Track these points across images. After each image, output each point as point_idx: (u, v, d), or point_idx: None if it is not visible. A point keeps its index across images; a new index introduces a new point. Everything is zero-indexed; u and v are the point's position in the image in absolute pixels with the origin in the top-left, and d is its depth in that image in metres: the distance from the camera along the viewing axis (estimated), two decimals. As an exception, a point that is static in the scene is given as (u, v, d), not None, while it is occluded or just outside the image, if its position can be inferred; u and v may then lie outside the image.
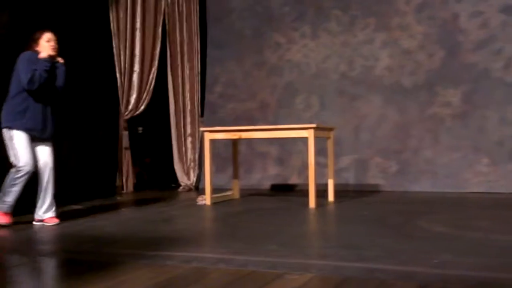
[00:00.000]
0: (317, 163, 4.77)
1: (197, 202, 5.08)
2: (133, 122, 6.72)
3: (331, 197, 5.05)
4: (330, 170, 5.12)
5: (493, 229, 3.29)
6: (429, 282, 2.06)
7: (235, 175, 5.55)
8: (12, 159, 3.74)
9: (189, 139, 6.81)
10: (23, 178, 3.72)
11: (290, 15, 6.61)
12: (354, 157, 6.13)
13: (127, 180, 6.38)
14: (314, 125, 4.63)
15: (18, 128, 3.73)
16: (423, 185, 5.75)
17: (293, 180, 6.41)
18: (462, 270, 2.23)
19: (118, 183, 6.37)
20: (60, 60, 3.94)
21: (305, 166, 5.59)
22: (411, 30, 5.98)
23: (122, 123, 6.36)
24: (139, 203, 5.31)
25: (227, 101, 6.92)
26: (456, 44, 5.75)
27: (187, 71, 6.84)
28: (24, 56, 3.78)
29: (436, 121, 5.80)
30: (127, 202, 5.47)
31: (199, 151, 6.74)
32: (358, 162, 6.12)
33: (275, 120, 6.49)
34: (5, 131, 3.77)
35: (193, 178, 6.75)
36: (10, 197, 3.75)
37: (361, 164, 6.11)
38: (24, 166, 3.71)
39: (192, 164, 6.78)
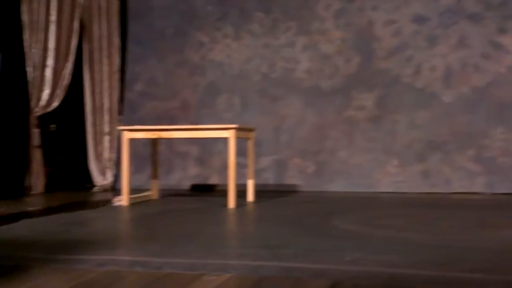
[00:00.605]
0: (237, 164, 4.80)
1: (113, 203, 4.92)
2: (45, 119, 6.37)
3: (250, 197, 5.10)
4: (250, 170, 5.17)
5: (401, 227, 3.48)
6: (341, 279, 2.14)
7: (154, 175, 5.44)
8: None
9: (106, 138, 6.59)
10: None
11: (213, 15, 6.60)
12: (274, 157, 6.24)
13: (38, 180, 6.04)
14: (235, 126, 4.66)
15: None
16: (338, 185, 5.97)
17: (213, 180, 6.41)
18: (372, 266, 2.33)
19: (27, 183, 6.01)
20: None
21: (226, 166, 5.61)
22: (329, 35, 6.19)
23: (32, 120, 6.01)
24: (50, 204, 5.04)
25: (147, 99, 6.77)
26: (371, 51, 6.03)
27: (105, 68, 6.61)
28: None
29: (351, 123, 6.04)
30: (37, 203, 5.18)
31: (116, 150, 6.53)
32: (277, 163, 6.23)
33: (197, 120, 6.45)
34: None
35: (109, 178, 6.54)
36: None
37: (281, 164, 6.23)
38: None
39: (108, 163, 6.56)
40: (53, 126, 6.88)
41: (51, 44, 6.04)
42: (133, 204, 4.87)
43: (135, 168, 6.26)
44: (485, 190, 5.52)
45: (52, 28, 6.05)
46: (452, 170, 5.65)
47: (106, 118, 6.59)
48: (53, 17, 6.05)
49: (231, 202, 4.57)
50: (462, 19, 5.72)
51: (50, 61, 6.04)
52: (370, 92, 6.01)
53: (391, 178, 5.84)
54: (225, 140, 5.21)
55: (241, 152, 5.61)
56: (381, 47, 6.00)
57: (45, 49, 6.01)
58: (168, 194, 5.73)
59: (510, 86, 5.55)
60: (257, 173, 5.90)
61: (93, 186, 6.48)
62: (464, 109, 5.68)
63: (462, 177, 5.62)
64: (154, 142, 5.40)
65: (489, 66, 5.62)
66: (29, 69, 5.93)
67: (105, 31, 6.60)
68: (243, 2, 6.47)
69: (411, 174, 5.78)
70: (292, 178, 6.17)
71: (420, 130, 5.79)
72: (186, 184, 6.45)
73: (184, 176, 6.52)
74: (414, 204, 4.76)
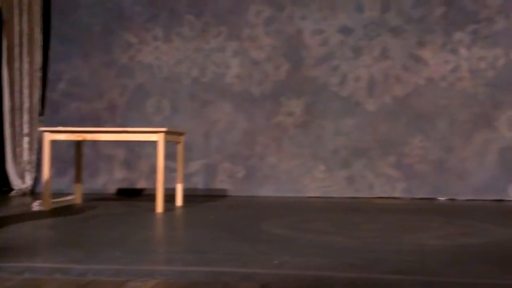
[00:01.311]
0: (166, 168, 4.73)
1: (32, 207, 4.67)
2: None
3: (179, 202, 5.03)
4: (179, 174, 5.10)
5: (326, 231, 3.58)
6: (269, 282, 2.16)
7: (78, 179, 5.23)
8: None
9: (25, 139, 6.25)
10: None
11: (142, 15, 6.46)
12: (204, 162, 6.21)
13: None
14: (164, 129, 4.58)
15: None
16: (267, 190, 6.05)
17: (141, 184, 6.26)
18: (299, 269, 2.38)
19: None
20: None
21: (154, 170, 5.50)
22: (260, 42, 6.27)
23: None
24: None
25: (71, 100, 6.50)
26: (299, 59, 6.17)
27: (26, 65, 6.27)
28: None
29: (280, 129, 6.15)
30: None
31: (37, 152, 6.22)
32: (207, 167, 6.20)
33: (124, 122, 6.27)
34: None
35: (29, 181, 6.20)
36: None
37: (210, 169, 6.20)
38: None
39: (28, 166, 6.23)
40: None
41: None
42: (54, 209, 4.64)
43: (57, 171, 5.98)
44: (405, 195, 5.81)
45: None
46: (374, 175, 5.90)
47: (26, 118, 6.26)
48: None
49: (159, 206, 4.49)
50: (385, 31, 6.00)
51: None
52: (298, 98, 6.14)
53: (318, 183, 6.00)
54: (153, 143, 5.11)
55: (170, 156, 5.53)
56: (309, 55, 6.16)
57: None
58: (93, 198, 5.52)
59: (428, 97, 5.89)
60: (187, 178, 5.84)
61: (11, 189, 6.12)
62: (386, 117, 5.95)
63: (383, 183, 5.88)
64: (78, 144, 5.19)
65: (409, 78, 5.94)
66: None
67: (26, 27, 6.28)
68: (173, 3, 6.40)
69: (337, 179, 5.97)
70: (221, 183, 6.17)
71: (346, 136, 6.00)
72: (112, 188, 6.26)
73: (110, 179, 6.32)
74: (339, 209, 4.92)
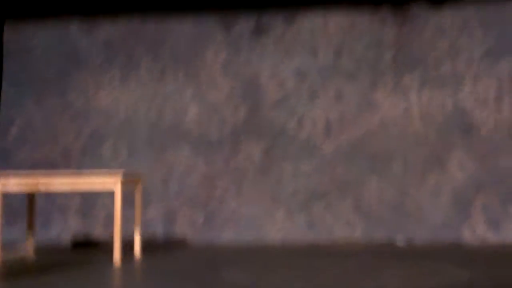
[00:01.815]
0: (123, 214, 4.60)
1: (-20, 262, 4.42)
2: None
3: (137, 252, 4.88)
4: (137, 222, 4.97)
5: (288, 278, 3.55)
6: None
7: (30, 229, 5.00)
8: None
9: (-27, 187, 5.95)
10: None
11: (99, 58, 6.41)
12: (162, 206, 6.09)
13: None
14: (121, 171, 4.48)
15: None
16: (228, 235, 5.97)
17: (98, 232, 6.06)
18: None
19: None
20: None
21: (110, 218, 5.35)
22: (217, 85, 6.31)
23: None
24: None
25: (22, 145, 6.29)
26: (257, 101, 6.24)
27: (-25, 110, 6.04)
28: None
29: (240, 173, 6.14)
30: None
31: (-15, 201, 5.92)
32: (166, 213, 6.09)
33: (79, 167, 6.11)
34: None
35: (-24, 232, 5.88)
36: None
37: (169, 214, 6.09)
38: None
39: (-24, 216, 5.91)
40: None
41: None
42: (4, 263, 4.40)
43: (7, 220, 5.71)
44: (364, 237, 5.87)
45: None
46: (334, 218, 5.95)
47: (-26, 165, 5.99)
48: None
49: (117, 259, 4.34)
50: (338, 75, 6.18)
51: None
52: (257, 142, 6.18)
53: (279, 227, 5.98)
54: (110, 191, 4.98)
55: (127, 201, 5.39)
56: (267, 98, 6.24)
57: None
58: (46, 249, 5.28)
59: (381, 139, 6.06)
60: (145, 224, 5.70)
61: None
62: (343, 160, 6.06)
63: (342, 225, 5.93)
64: (30, 194, 4.99)
65: (363, 120, 6.10)
66: None
67: (-24, 71, 6.08)
68: (130, 47, 6.39)
69: (297, 223, 5.98)
70: (181, 228, 6.05)
71: (305, 179, 6.06)
72: (67, 238, 6.02)
73: (64, 228, 6.09)
74: (300, 253, 4.90)
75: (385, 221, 5.90)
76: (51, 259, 4.67)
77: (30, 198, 5.00)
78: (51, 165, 6.15)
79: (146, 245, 5.16)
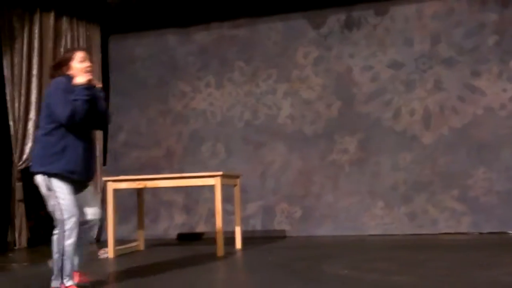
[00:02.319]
0: (224, 211, 4.78)
1: (99, 255, 4.82)
2: (28, 172, 6.28)
3: (238, 244, 5.04)
4: (237, 217, 5.13)
5: (389, 271, 3.47)
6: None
7: (140, 226, 5.37)
8: (53, 213, 3.01)
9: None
10: (74, 232, 2.97)
11: (195, 64, 6.72)
12: (260, 203, 6.22)
13: (20, 235, 5.89)
14: (220, 173, 4.66)
15: (56, 173, 3.00)
16: (325, 229, 5.96)
17: (200, 228, 6.34)
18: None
19: (10, 238, 5.85)
20: (98, 84, 3.24)
21: (212, 214, 5.57)
22: (310, 82, 6.33)
23: (15, 174, 5.93)
24: (33, 259, 4.91)
25: (131, 149, 6.76)
26: (350, 96, 6.17)
27: (88, 119, 6.60)
28: (57, 85, 3.06)
29: (335, 167, 6.10)
30: (20, 258, 5.04)
31: (100, 201, 6.44)
32: (264, 209, 6.21)
33: (181, 168, 6.44)
34: (40, 179, 3.04)
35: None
36: (68, 262, 2.96)
37: (267, 210, 6.20)
38: (72, 216, 2.98)
39: (93, 215, 6.44)
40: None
41: (34, 97, 6.04)
42: (119, 256, 4.77)
43: (120, 218, 6.16)
44: (472, 229, 5.56)
45: (34, 81, 6.07)
46: (438, 210, 5.70)
47: (90, 169, 6.53)
48: (34, 71, 6.09)
49: (220, 250, 4.52)
50: (437, 64, 5.92)
51: (32, 114, 6.02)
52: (352, 136, 6.11)
53: (378, 221, 5.85)
54: (211, 187, 5.19)
55: (227, 199, 5.59)
56: (360, 92, 6.15)
57: (27, 103, 6.01)
58: (155, 244, 5.63)
59: (487, 126, 5.69)
60: (244, 220, 5.86)
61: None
62: (445, 150, 5.79)
63: (448, 217, 5.66)
64: (139, 192, 5.36)
65: (466, 108, 5.78)
66: (11, 123, 5.90)
67: (88, 83, 6.64)
68: (224, 52, 6.62)
69: (397, 216, 5.81)
70: (279, 224, 6.14)
71: (404, 171, 5.87)
72: (173, 233, 6.36)
73: (171, 225, 6.44)
74: (401, 246, 4.76)
75: (495, 213, 5.53)
76: (160, 252, 4.96)
77: (139, 197, 5.36)
78: (156, 166, 6.54)
79: (246, 240, 5.31)
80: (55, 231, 3.00)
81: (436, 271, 3.38)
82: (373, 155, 6.01)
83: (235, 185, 5.15)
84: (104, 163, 6.69)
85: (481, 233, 5.48)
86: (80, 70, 3.14)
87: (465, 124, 5.76)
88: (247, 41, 6.57)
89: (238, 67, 6.58)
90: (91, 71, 3.18)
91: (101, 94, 3.29)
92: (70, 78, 3.11)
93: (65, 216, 2.98)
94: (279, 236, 5.99)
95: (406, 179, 5.85)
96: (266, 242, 5.47)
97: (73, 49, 3.25)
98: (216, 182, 4.63)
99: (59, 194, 3.00)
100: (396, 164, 5.92)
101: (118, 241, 5.00)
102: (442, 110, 5.85)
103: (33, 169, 3.09)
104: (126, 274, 3.86)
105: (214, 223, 4.77)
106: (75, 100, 3.01)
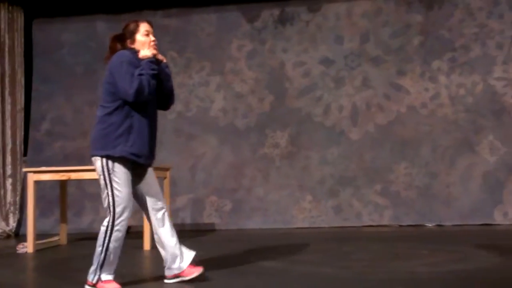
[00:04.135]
0: (152, 204, 4.66)
1: (17, 250, 4.57)
2: None
3: (166, 238, 4.95)
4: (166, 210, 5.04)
5: (317, 262, 3.55)
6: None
7: (63, 219, 5.14)
8: (106, 202, 2.76)
9: (9, 181, 6.16)
10: (123, 227, 2.76)
11: (126, 53, 6.51)
12: (190, 196, 6.16)
13: None
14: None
15: (121, 155, 2.71)
16: (255, 222, 6.00)
17: (128, 221, 6.17)
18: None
19: None
20: (163, 59, 2.94)
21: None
22: (243, 75, 6.33)
23: None
24: None
25: (54, 139, 6.46)
26: (283, 90, 6.24)
27: (8, 106, 6.24)
28: (121, 58, 2.78)
29: (266, 161, 6.15)
30: None
31: (20, 193, 6.12)
32: (194, 202, 6.16)
33: (109, 159, 6.23)
34: (100, 162, 2.74)
35: (12, 223, 6.08)
36: (112, 258, 2.78)
37: (197, 203, 6.16)
38: (123, 211, 2.73)
39: (12, 208, 6.11)
40: None
41: None
42: (39, 251, 4.55)
43: (41, 212, 5.88)
44: (393, 222, 5.81)
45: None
46: (362, 204, 5.91)
47: (9, 159, 6.19)
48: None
49: (147, 244, 4.42)
50: (365, 62, 6.11)
51: None
52: (283, 130, 6.18)
53: (306, 214, 5.98)
54: (139, 180, 5.06)
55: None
56: (292, 87, 6.23)
57: None
58: (79, 238, 5.42)
59: (410, 124, 5.96)
60: (174, 213, 5.78)
61: (-6, 232, 5.99)
62: (370, 146, 6.00)
63: (371, 211, 5.88)
64: (62, 184, 5.13)
65: (391, 106, 6.02)
66: None
67: (8, 68, 6.27)
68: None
69: (324, 209, 5.96)
70: (209, 217, 6.12)
71: (331, 166, 6.02)
72: (98, 227, 6.13)
73: (96, 218, 6.23)
74: (328, 239, 4.89)
75: (414, 206, 5.81)
76: (84, 246, 4.79)
77: (62, 189, 5.13)
78: (82, 158, 6.28)
79: (176, 232, 5.23)
80: (104, 223, 2.77)
81: (359, 262, 3.51)
82: (303, 149, 6.12)
83: (164, 178, 5.06)
84: (25, 154, 6.34)
85: (401, 226, 5.75)
86: (144, 43, 2.87)
87: (390, 121, 6.01)
88: (180, 32, 6.46)
89: (170, 57, 6.44)
90: (156, 45, 2.90)
91: (168, 70, 3.01)
92: (134, 51, 2.85)
93: (118, 209, 2.74)
94: (209, 229, 5.97)
95: (333, 173, 6.01)
96: (195, 235, 5.43)
97: (137, 20, 2.94)
98: (144, 174, 4.52)
99: (115, 184, 2.74)
100: (325, 158, 6.06)
101: (39, 236, 4.76)
102: (369, 107, 6.07)
103: (93, 153, 2.79)
104: (45, 270, 3.68)
105: (142, 216, 4.66)
106: (140, 74, 2.73)
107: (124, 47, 2.90)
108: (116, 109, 2.77)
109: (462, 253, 3.76)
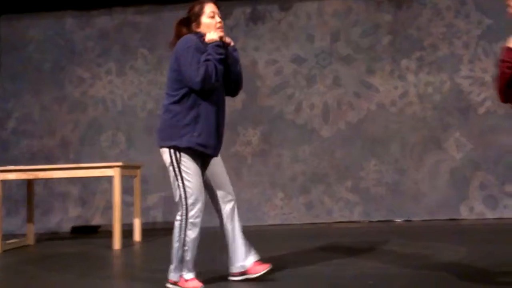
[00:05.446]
0: (123, 202, 4.63)
1: (-19, 251, 4.45)
2: None
3: (137, 237, 4.91)
4: (137, 208, 5.00)
5: (289, 259, 3.57)
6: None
7: (30, 219, 5.03)
8: (177, 194, 2.63)
9: (-27, 180, 5.99)
10: (198, 220, 2.63)
11: (95, 50, 6.42)
12: (162, 194, 6.11)
13: None
14: (120, 163, 4.51)
15: (188, 146, 2.59)
16: (227, 220, 5.98)
17: (97, 221, 6.09)
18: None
19: None
20: (230, 42, 2.76)
21: (110, 206, 5.37)
22: (214, 73, 6.30)
23: None
24: None
25: (21, 137, 6.31)
26: (255, 88, 6.24)
27: (-27, 103, 6.07)
28: (187, 43, 2.60)
29: (239, 159, 6.15)
30: None
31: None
32: (165, 200, 6.11)
33: (77, 158, 6.13)
34: (167, 153, 2.64)
35: (-22, 224, 5.92)
36: (190, 254, 2.65)
37: (169, 201, 6.11)
38: (197, 202, 2.60)
39: (-23, 208, 5.95)
40: None
41: None
42: (5, 251, 4.44)
43: (7, 211, 5.74)
44: (363, 218, 5.89)
45: None
46: (333, 201, 5.97)
47: (-26, 158, 6.01)
48: None
49: (117, 243, 4.37)
50: (335, 60, 6.17)
51: None
52: (255, 128, 6.19)
53: (278, 211, 6.00)
54: (109, 178, 5.00)
55: (127, 190, 5.42)
56: (264, 85, 6.24)
57: None
58: (46, 238, 5.32)
59: (380, 122, 6.05)
60: (145, 211, 5.73)
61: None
62: (341, 143, 6.06)
63: (342, 207, 5.95)
64: (29, 183, 5.02)
65: (361, 104, 6.10)
66: None
67: (-27, 64, 6.10)
68: (126, 38, 6.39)
69: (295, 206, 5.99)
70: (180, 216, 6.07)
71: (303, 163, 6.06)
72: (67, 227, 6.05)
73: (64, 218, 6.12)
74: (298, 236, 4.92)
75: (383, 202, 5.90)
76: (52, 246, 4.70)
77: (29, 189, 5.02)
78: (50, 156, 6.17)
79: (146, 232, 5.19)
80: (178, 217, 2.64)
81: (330, 258, 3.54)
82: (275, 147, 6.14)
83: (135, 176, 5.01)
84: (-9, 152, 6.18)
85: (371, 222, 5.83)
86: (210, 25, 2.69)
87: (360, 119, 6.08)
88: (151, 29, 6.39)
89: (141, 54, 6.39)
90: (222, 27, 2.73)
91: (236, 54, 2.83)
92: (201, 35, 2.68)
93: (189, 201, 2.61)
94: (181, 228, 5.93)
95: (305, 170, 6.05)
96: (166, 233, 5.37)
97: (202, 1, 2.74)
98: (115, 173, 4.47)
99: (185, 175, 2.61)
100: (296, 156, 6.10)
101: (5, 236, 4.65)
102: (340, 105, 6.12)
103: (160, 144, 2.69)
104: (11, 271, 3.60)
105: (112, 216, 4.60)
106: (206, 60, 2.57)
107: (190, 31, 2.74)
108: (182, 97, 2.63)
109: (430, 247, 3.84)
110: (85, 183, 6.11)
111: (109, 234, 4.65)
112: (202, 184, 2.67)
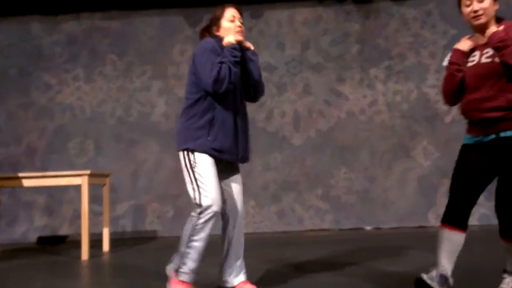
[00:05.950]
0: (91, 212, 4.54)
1: None
2: None
3: (106, 247, 4.82)
4: (106, 218, 4.91)
5: (260, 268, 3.56)
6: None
7: (-6, 229, 4.88)
8: (192, 195, 2.55)
9: None
10: (209, 224, 2.54)
11: (62, 56, 6.30)
12: (131, 203, 6.02)
13: None
14: (88, 172, 4.42)
15: (202, 150, 2.55)
16: (198, 229, 5.94)
17: (64, 230, 5.95)
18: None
19: None
20: (250, 46, 2.75)
21: (78, 215, 5.26)
22: (185, 80, 6.25)
23: None
24: None
25: (-15, 145, 6.13)
26: (225, 96, 6.22)
27: None
28: (204, 45, 2.60)
29: (209, 166, 6.10)
30: None
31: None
32: (135, 209, 6.02)
33: (44, 166, 5.99)
34: (183, 155, 2.60)
35: None
36: (192, 256, 2.56)
37: (138, 210, 6.03)
38: (211, 204, 2.52)
39: None
40: None
41: None
42: (-34, 264, 4.28)
43: (-30, 222, 5.56)
44: (333, 226, 5.94)
45: None
46: (303, 208, 5.99)
47: None
48: None
49: (85, 253, 4.28)
50: (306, 68, 6.22)
51: None
52: (226, 135, 6.16)
53: (249, 219, 5.99)
54: (77, 187, 4.90)
55: (95, 199, 5.32)
56: (235, 92, 6.23)
57: None
58: (11, 249, 5.16)
59: (349, 130, 6.12)
60: (114, 221, 5.63)
61: None
62: (312, 151, 6.11)
63: (312, 215, 5.98)
64: (-6, 192, 4.87)
65: (331, 112, 6.16)
66: None
67: None
68: (94, 44, 6.30)
69: (267, 214, 6.00)
70: (150, 224, 6.00)
71: (274, 171, 6.08)
72: (33, 237, 5.89)
73: (30, 228, 5.96)
74: (270, 244, 4.92)
75: (353, 210, 5.97)
76: (18, 256, 4.56)
77: (-6, 197, 4.88)
78: (15, 164, 6.01)
79: (115, 241, 5.10)
80: (191, 220, 2.59)
81: (301, 267, 3.55)
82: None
83: (104, 185, 4.92)
84: (-48, 160, 5.98)
85: (341, 229, 5.88)
86: (229, 29, 2.69)
87: (330, 127, 6.14)
88: (120, 34, 6.32)
89: (110, 60, 6.30)
90: (242, 31, 2.71)
91: (255, 58, 2.79)
92: (219, 39, 2.68)
93: (204, 202, 2.53)
94: (150, 237, 5.86)
95: (276, 178, 6.07)
96: (136, 243, 5.31)
97: (223, 6, 2.74)
98: (82, 181, 4.38)
99: (199, 178, 2.55)
100: (267, 164, 6.11)
101: (-33, 247, 4.50)
102: (310, 113, 6.17)
103: (177, 148, 2.66)
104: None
105: (79, 225, 4.50)
106: (221, 62, 2.55)
107: (210, 34, 2.76)
108: (198, 100, 2.63)
109: (399, 254, 3.89)
110: (52, 192, 5.97)
111: (77, 244, 4.55)
112: (218, 187, 2.61)
